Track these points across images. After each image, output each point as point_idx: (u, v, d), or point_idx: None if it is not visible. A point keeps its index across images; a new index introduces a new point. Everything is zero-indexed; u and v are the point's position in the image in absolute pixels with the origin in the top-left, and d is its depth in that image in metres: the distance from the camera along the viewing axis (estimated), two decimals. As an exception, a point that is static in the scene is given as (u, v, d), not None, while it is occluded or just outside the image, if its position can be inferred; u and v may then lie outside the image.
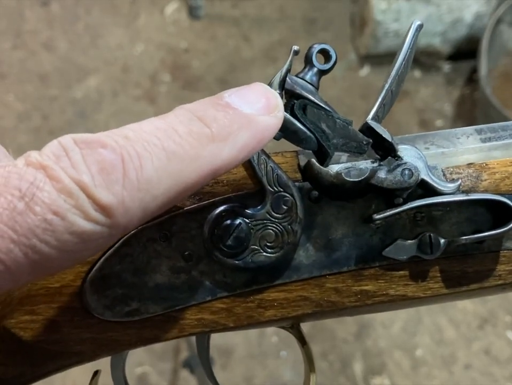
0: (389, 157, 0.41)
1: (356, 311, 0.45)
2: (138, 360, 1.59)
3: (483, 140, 0.45)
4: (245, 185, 0.41)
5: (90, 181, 0.27)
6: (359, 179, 0.40)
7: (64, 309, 0.41)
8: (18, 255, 0.26)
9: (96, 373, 0.48)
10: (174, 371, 1.57)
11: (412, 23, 0.42)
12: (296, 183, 0.41)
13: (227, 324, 0.42)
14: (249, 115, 0.33)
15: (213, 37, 2.30)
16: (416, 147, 0.41)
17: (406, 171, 0.40)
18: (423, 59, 2.19)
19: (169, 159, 0.29)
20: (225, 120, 0.32)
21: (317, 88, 0.41)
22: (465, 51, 2.21)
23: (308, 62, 0.41)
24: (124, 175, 0.28)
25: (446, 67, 2.26)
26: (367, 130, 0.41)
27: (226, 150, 0.31)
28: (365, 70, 2.24)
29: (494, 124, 0.46)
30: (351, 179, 0.40)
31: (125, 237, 0.40)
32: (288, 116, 0.39)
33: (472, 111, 2.14)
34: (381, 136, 0.41)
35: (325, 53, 0.41)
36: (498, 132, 0.45)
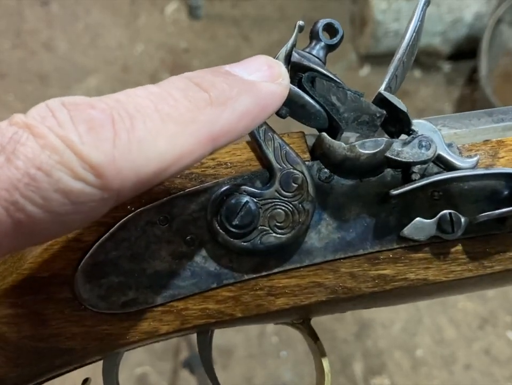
0: (403, 135, 0.39)
1: (373, 299, 0.42)
2: (138, 360, 1.59)
3: (496, 121, 0.43)
4: (250, 167, 0.39)
5: (77, 138, 0.26)
6: (375, 151, 0.37)
7: (53, 301, 0.37)
8: None
9: (86, 381, 0.44)
10: (174, 371, 1.57)
11: (419, 1, 0.40)
12: (306, 162, 0.39)
13: (234, 314, 0.39)
14: (250, 81, 0.31)
15: (213, 37, 2.30)
16: (430, 122, 0.39)
17: (424, 143, 0.37)
18: (422, 59, 2.18)
19: (163, 120, 0.28)
20: (224, 84, 0.30)
21: (324, 63, 0.39)
22: (465, 50, 2.21)
23: (314, 37, 0.39)
24: (114, 134, 0.26)
25: (446, 67, 2.26)
26: (380, 101, 0.39)
27: (225, 115, 0.29)
28: (365, 70, 2.24)
29: (503, 107, 0.44)
30: (366, 151, 0.37)
31: (122, 221, 0.37)
32: (296, 88, 0.37)
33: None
34: (395, 106, 0.38)
35: (331, 29, 0.39)
36: (509, 114, 0.43)
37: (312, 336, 0.46)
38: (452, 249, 0.40)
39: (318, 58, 0.39)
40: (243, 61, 0.32)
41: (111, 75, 2.18)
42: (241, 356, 1.61)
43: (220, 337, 1.56)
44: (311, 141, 0.40)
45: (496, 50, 2.06)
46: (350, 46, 2.28)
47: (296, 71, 0.38)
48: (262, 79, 0.31)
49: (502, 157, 0.41)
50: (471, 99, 2.17)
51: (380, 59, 2.21)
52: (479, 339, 1.67)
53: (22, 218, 0.25)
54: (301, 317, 0.45)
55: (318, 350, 0.45)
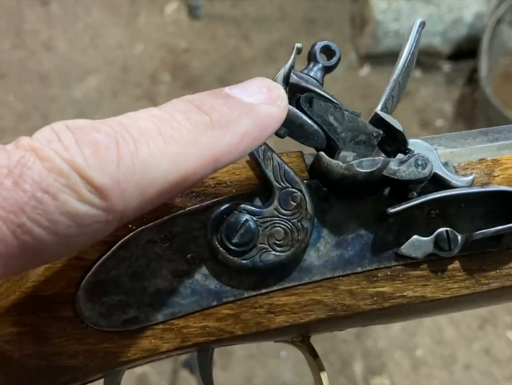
0: (399, 154, 0.39)
1: (371, 318, 0.42)
2: (138, 360, 1.59)
3: (491, 140, 0.44)
4: (250, 186, 0.39)
5: (83, 161, 0.26)
6: (372, 170, 0.38)
7: (56, 319, 0.37)
8: (6, 234, 0.25)
9: None
10: (174, 371, 1.57)
11: (414, 22, 0.42)
12: (304, 181, 0.39)
13: (234, 331, 0.39)
14: (250, 103, 0.32)
15: (213, 37, 2.30)
16: (426, 141, 0.40)
17: (420, 162, 0.38)
18: (422, 58, 2.18)
19: (166, 142, 0.28)
20: (225, 107, 0.31)
21: (321, 84, 0.40)
22: (465, 50, 2.21)
23: (312, 58, 0.40)
24: (118, 157, 0.27)
25: (446, 67, 2.26)
26: (377, 121, 0.40)
27: (226, 137, 0.30)
28: (365, 70, 2.24)
29: (497, 126, 0.45)
30: (363, 170, 0.37)
31: (123, 239, 0.38)
32: (294, 109, 0.38)
33: (472, 111, 2.14)
34: (392, 126, 0.39)
35: (328, 50, 0.40)
36: (504, 133, 0.44)
37: (312, 353, 0.46)
38: (450, 267, 0.41)
39: (315, 79, 0.40)
40: (243, 84, 0.33)
41: (111, 75, 2.18)
42: (241, 356, 1.61)
43: None
44: (309, 160, 0.41)
45: (496, 50, 2.06)
46: (350, 46, 2.28)
47: (295, 92, 0.39)
48: (261, 102, 0.32)
49: (498, 175, 0.41)
50: (471, 99, 2.17)
51: (380, 59, 2.21)
52: (479, 339, 1.67)
53: (29, 240, 0.26)
54: (300, 335, 0.45)
55: (317, 367, 0.46)
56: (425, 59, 2.19)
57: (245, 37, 2.30)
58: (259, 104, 0.32)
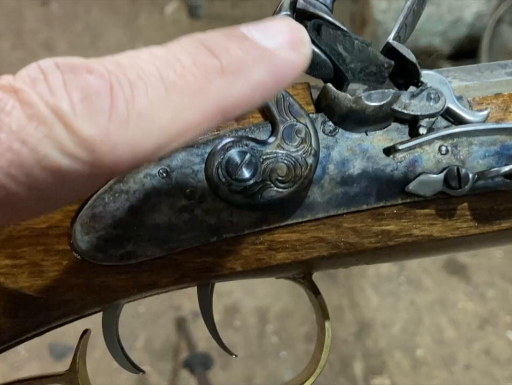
0: (412, 86, 0.37)
1: (376, 255, 0.41)
2: (138, 360, 1.58)
3: (509, 74, 0.41)
4: (252, 119, 0.38)
5: (69, 108, 0.23)
6: (381, 103, 0.36)
7: (51, 252, 0.37)
8: None
9: (85, 332, 0.44)
10: (174, 371, 1.57)
11: None
12: (310, 114, 0.37)
13: (234, 268, 0.38)
14: (268, 48, 0.27)
15: (213, 37, 2.30)
16: (440, 74, 0.38)
17: (432, 95, 0.36)
18: (422, 58, 2.18)
19: (168, 90, 0.25)
20: (239, 51, 0.26)
21: (331, 10, 0.37)
22: (466, 50, 2.20)
23: None
24: (111, 104, 0.23)
25: (446, 66, 2.26)
26: (388, 51, 0.37)
27: (237, 86, 0.26)
28: (365, 70, 2.24)
29: None
30: (372, 103, 0.35)
31: None
32: None
33: (472, 111, 2.14)
34: (404, 57, 0.37)
35: None
36: None
37: (313, 290, 0.45)
38: (459, 206, 0.39)
39: (324, 5, 0.37)
40: (263, 22, 0.29)
41: (111, 75, 2.18)
42: (241, 356, 1.61)
43: (221, 336, 1.56)
44: (316, 94, 0.39)
45: (496, 50, 2.06)
46: (350, 46, 2.28)
47: (302, 18, 0.37)
48: (281, 46, 0.28)
49: None
50: (471, 99, 2.17)
51: (380, 59, 2.21)
52: (479, 339, 1.67)
53: (2, 196, 0.23)
54: (302, 272, 0.44)
55: (319, 305, 0.45)
56: (425, 59, 2.19)
57: (245, 37, 2.30)
58: (278, 48, 0.28)
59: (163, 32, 2.28)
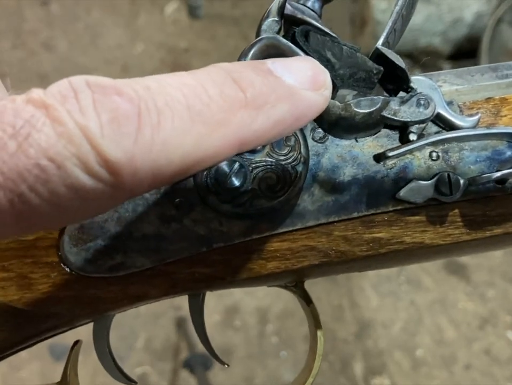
0: (401, 92, 0.37)
1: (367, 263, 0.40)
2: (138, 360, 1.59)
3: (500, 77, 0.40)
4: None
5: (98, 129, 0.23)
6: (371, 110, 0.35)
7: (40, 265, 0.36)
8: (2, 202, 0.23)
9: (76, 343, 0.43)
10: (174, 371, 1.57)
11: None
12: None
13: (224, 278, 0.38)
14: (291, 86, 0.28)
15: (213, 36, 2.30)
16: (430, 78, 0.37)
17: (422, 101, 0.36)
18: (422, 58, 2.18)
19: (193, 120, 0.25)
20: (264, 86, 0.27)
21: (319, 16, 0.37)
22: (465, 50, 2.20)
23: None
24: (138, 129, 0.24)
25: (446, 66, 2.26)
26: (377, 57, 0.37)
27: (259, 120, 0.26)
28: (365, 70, 2.24)
29: (508, 62, 0.41)
30: (361, 110, 0.35)
31: None
32: (288, 43, 0.34)
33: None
34: (393, 63, 0.36)
35: None
36: None
37: (305, 299, 0.45)
38: (450, 212, 0.38)
39: (313, 11, 0.37)
40: (288, 60, 0.29)
41: (111, 75, 2.16)
42: (241, 356, 1.61)
43: (220, 336, 1.56)
44: None
45: (496, 50, 2.06)
46: (350, 46, 2.28)
47: (290, 24, 0.36)
48: (304, 86, 0.29)
49: (505, 115, 0.39)
50: (471, 99, 2.17)
51: (380, 59, 2.21)
52: (479, 339, 1.67)
53: (25, 210, 0.23)
54: (293, 280, 0.44)
55: (311, 313, 0.45)
56: (425, 58, 2.19)
57: (245, 37, 2.30)
58: (301, 89, 0.28)
59: (163, 32, 2.28)
